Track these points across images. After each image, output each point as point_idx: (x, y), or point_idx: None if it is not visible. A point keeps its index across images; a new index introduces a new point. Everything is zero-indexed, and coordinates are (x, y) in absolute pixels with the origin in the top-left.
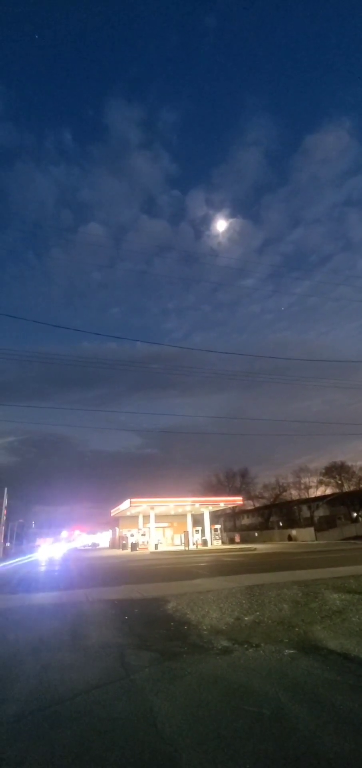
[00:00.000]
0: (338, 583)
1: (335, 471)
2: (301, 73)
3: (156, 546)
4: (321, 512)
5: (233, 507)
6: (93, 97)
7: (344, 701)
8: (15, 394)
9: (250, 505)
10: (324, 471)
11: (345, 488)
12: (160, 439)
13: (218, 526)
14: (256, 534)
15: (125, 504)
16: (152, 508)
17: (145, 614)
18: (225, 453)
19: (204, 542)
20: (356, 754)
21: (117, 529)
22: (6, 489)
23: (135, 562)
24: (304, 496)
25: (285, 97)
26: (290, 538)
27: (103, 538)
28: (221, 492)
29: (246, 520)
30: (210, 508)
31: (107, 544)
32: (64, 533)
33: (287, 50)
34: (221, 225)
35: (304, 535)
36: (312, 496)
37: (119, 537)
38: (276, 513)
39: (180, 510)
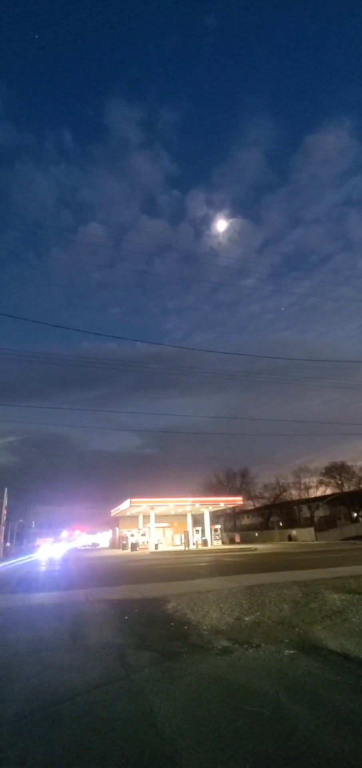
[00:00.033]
0: (338, 584)
1: (335, 471)
2: (301, 73)
3: (156, 546)
4: (321, 512)
5: (233, 507)
6: (93, 97)
7: (344, 701)
8: (15, 394)
9: (250, 505)
10: (324, 471)
11: (346, 488)
12: (160, 439)
13: (218, 526)
14: (256, 534)
15: (125, 504)
16: (152, 508)
17: (145, 614)
18: (225, 453)
19: (205, 542)
20: (356, 754)
21: (117, 529)
22: (6, 489)
23: (135, 562)
24: (304, 496)
25: (285, 97)
26: (290, 538)
27: (103, 538)
28: (221, 492)
29: (246, 520)
30: (211, 508)
31: (107, 544)
32: (64, 533)
33: (287, 50)
34: (221, 225)
35: (304, 535)
36: (313, 496)
37: (119, 537)
38: (277, 513)
39: (180, 510)
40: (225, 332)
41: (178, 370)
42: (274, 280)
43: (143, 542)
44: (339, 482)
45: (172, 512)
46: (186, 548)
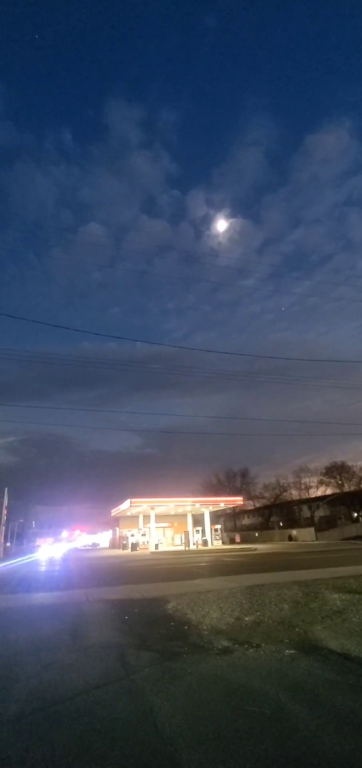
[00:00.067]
0: (338, 583)
1: (335, 471)
2: (301, 73)
3: (156, 546)
4: (321, 512)
5: (233, 507)
6: (93, 97)
7: (344, 701)
8: (15, 394)
9: (251, 505)
10: (324, 471)
11: (346, 488)
12: (160, 439)
13: (218, 526)
14: (257, 534)
15: (125, 504)
16: (152, 508)
17: (145, 614)
18: (225, 453)
19: (205, 542)
20: (356, 754)
21: (117, 529)
22: (6, 489)
23: (135, 562)
24: (304, 496)
25: (285, 97)
26: (290, 538)
27: (103, 538)
28: (221, 492)
29: (246, 520)
30: (211, 508)
31: (107, 544)
32: (65, 533)
33: (287, 50)
34: (221, 225)
35: (304, 535)
36: (313, 496)
37: (119, 537)
38: (277, 513)
39: (180, 510)
40: (225, 332)
41: (177, 370)
42: (274, 280)
43: (143, 542)
44: (340, 482)
45: (173, 512)
46: (187, 548)
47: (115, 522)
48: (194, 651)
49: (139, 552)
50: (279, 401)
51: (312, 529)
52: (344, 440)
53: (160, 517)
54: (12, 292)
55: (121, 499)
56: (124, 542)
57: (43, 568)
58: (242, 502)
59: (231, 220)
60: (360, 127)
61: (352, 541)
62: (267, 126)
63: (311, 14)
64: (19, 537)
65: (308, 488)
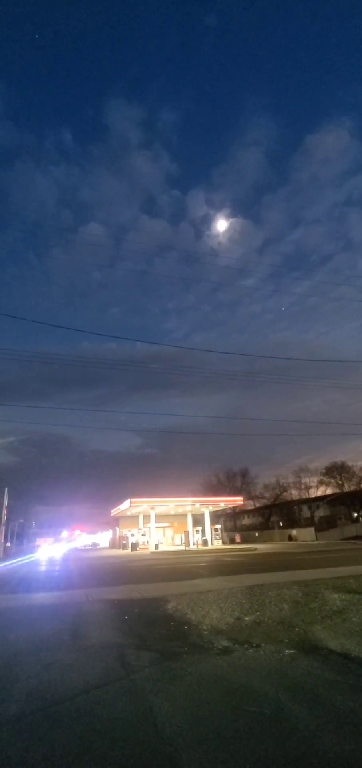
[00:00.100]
0: (338, 583)
1: (335, 471)
2: (301, 73)
3: (156, 546)
4: (321, 512)
5: (233, 507)
6: (93, 97)
7: (344, 701)
8: (15, 394)
9: (251, 505)
10: (324, 471)
11: (346, 488)
12: (160, 439)
13: (218, 526)
14: (257, 534)
15: (125, 504)
16: (152, 508)
17: (145, 614)
18: (225, 453)
19: (205, 542)
20: (356, 754)
21: (117, 529)
22: (6, 489)
23: (135, 562)
24: (304, 496)
25: (285, 97)
26: (290, 538)
27: (103, 538)
28: (221, 492)
29: (246, 520)
30: (211, 508)
31: (107, 544)
32: (65, 533)
33: (287, 50)
34: (221, 225)
35: (305, 535)
36: (313, 496)
37: (119, 537)
38: (277, 513)
39: (180, 510)
40: (225, 332)
41: (178, 370)
42: (274, 280)
43: (143, 542)
44: (340, 482)
45: (173, 512)
46: (187, 548)
47: (115, 522)
48: (194, 651)
49: (139, 552)
50: (279, 401)
51: (312, 529)
52: (344, 440)
53: (160, 517)
54: (12, 292)
55: (121, 499)
56: (124, 542)
57: (43, 568)
58: (242, 502)
59: (231, 220)
60: (360, 127)
61: (352, 541)
62: (267, 126)
63: (311, 14)
64: (19, 537)
65: (308, 488)
